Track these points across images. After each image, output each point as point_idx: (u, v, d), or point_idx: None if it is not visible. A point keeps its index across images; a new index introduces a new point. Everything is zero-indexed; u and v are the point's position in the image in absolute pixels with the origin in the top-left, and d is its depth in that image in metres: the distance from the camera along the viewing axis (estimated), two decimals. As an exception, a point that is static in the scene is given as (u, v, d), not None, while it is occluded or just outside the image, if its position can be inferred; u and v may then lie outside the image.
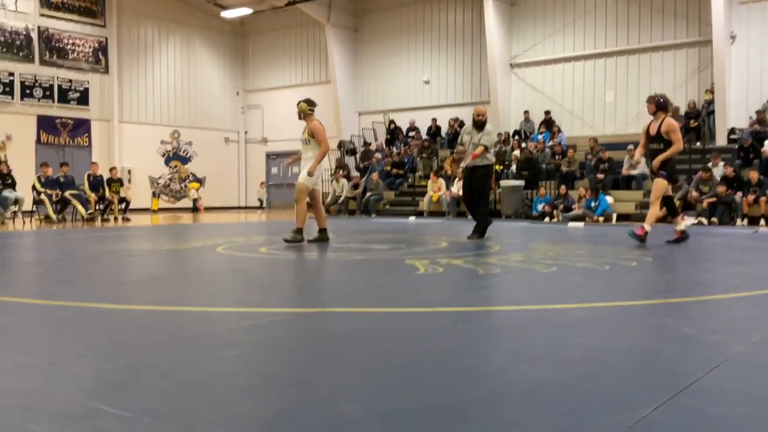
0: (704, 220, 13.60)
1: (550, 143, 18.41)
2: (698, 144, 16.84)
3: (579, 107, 19.66)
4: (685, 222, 8.51)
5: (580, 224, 13.75)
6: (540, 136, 19.07)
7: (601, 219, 14.44)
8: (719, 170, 14.57)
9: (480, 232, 9.10)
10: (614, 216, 14.69)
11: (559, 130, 18.99)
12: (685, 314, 3.82)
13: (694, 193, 14.18)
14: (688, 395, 2.24)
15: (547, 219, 15.36)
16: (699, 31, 17.78)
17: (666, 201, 8.52)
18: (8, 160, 15.94)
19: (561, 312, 3.87)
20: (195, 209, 23.66)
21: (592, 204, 14.74)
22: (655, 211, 8.19)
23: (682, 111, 17.44)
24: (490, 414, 2.08)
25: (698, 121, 17.13)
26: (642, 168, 16.14)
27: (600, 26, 19.27)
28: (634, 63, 18.80)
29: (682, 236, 8.41)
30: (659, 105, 8.19)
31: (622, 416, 2.02)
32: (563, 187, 15.65)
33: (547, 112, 19.66)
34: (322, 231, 8.42)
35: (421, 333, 3.32)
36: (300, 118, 8.28)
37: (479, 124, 9.12)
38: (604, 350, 2.89)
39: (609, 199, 15.08)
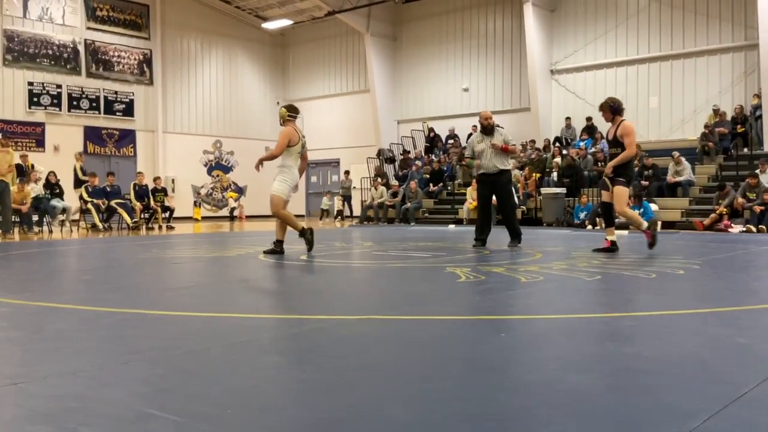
0: (753, 228, 13.29)
1: (593, 150, 18.19)
2: (745, 150, 16.49)
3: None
4: (616, 234, 8.22)
5: (624, 232, 13.54)
6: (582, 143, 18.86)
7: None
8: (767, 177, 14.22)
9: (518, 238, 9.02)
10: (659, 224, 14.42)
11: (602, 137, 18.71)
12: (736, 323, 3.73)
13: (741, 200, 13.87)
14: (741, 406, 2.18)
15: (589, 227, 15.16)
16: (745, 35, 17.42)
17: (605, 208, 8.22)
18: (84, 171, 16.80)
19: (607, 321, 3.81)
20: (233, 218, 23.94)
21: (636, 212, 14.48)
22: (630, 213, 7.97)
23: (729, 116, 17.10)
24: (541, 423, 2.06)
25: (745, 126, 16.76)
26: (688, 175, 15.87)
27: (643, 31, 19.01)
28: (679, 68, 18.49)
29: (612, 247, 8.06)
30: (614, 109, 7.99)
31: (672, 427, 1.98)
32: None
33: (589, 119, 19.43)
34: (278, 243, 8.01)
35: (466, 340, 3.31)
36: (281, 124, 8.06)
37: (489, 129, 9.03)
38: (652, 360, 2.84)
39: (653, 206, 14.83)
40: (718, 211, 13.99)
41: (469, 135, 21.75)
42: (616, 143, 7.90)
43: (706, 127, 16.93)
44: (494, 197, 9.27)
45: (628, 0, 19.25)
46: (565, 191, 16.51)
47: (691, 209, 15.17)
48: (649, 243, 7.93)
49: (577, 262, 7.00)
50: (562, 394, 2.35)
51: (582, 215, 15.68)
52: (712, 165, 16.47)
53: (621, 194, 7.91)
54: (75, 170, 16.87)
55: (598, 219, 15.11)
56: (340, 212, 23.46)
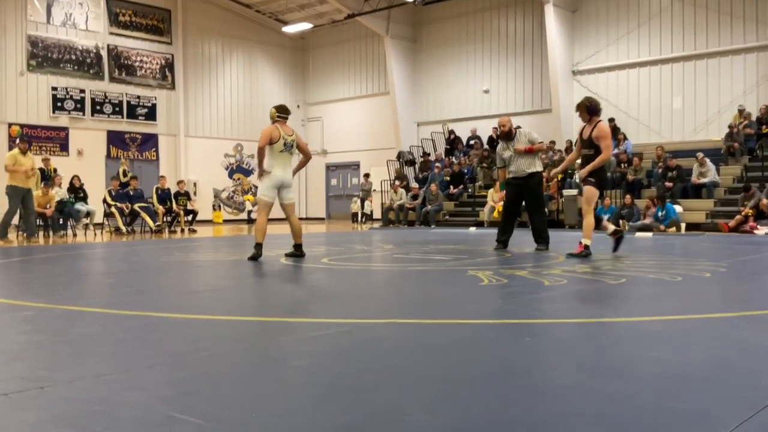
0: (779, 229, 13.09)
1: (616, 151, 18.03)
2: (771, 150, 16.26)
3: (645, 114, 19.22)
4: (612, 226, 8.08)
5: (648, 234, 13.41)
6: (604, 144, 18.67)
7: (671, 229, 14.03)
8: (794, 177, 14.02)
9: (545, 242, 8.93)
10: (683, 225, 14.27)
11: (625, 138, 18.58)
12: (764, 327, 3.67)
13: (766, 201, 13.68)
14: (773, 412, 2.14)
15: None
16: (770, 33, 17.20)
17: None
18: (128, 175, 17.46)
19: (632, 325, 3.76)
20: (251, 221, 24.02)
21: (660, 214, 14.33)
22: (589, 221, 7.75)
23: (754, 116, 16.86)
24: (569, 429, 2.03)
25: (771, 126, 16.53)
26: (712, 176, 15.67)
27: (666, 31, 18.81)
28: (702, 68, 18.28)
29: (618, 236, 7.92)
30: (590, 110, 7.82)
31: (704, 433, 1.95)
32: (628, 197, 15.30)
33: (612, 120, 19.23)
34: (297, 246, 8.07)
35: (489, 345, 3.29)
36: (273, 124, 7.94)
37: (507, 134, 8.97)
38: (679, 364, 2.80)
39: (678, 207, 14.66)
40: (743, 213, 13.81)
41: (490, 137, 21.74)
42: (591, 144, 7.77)
43: (730, 127, 16.71)
44: (524, 201, 9.21)
45: (651, 0, 19.07)
46: (587, 193, 16.35)
47: (716, 211, 14.98)
48: (574, 253, 7.70)
49: (600, 264, 6.93)
50: (588, 399, 2.32)
51: (605, 217, 15.51)
52: (737, 166, 16.26)
53: (590, 195, 7.78)
54: (118, 173, 17.59)
55: (621, 221, 14.99)
56: (355, 215, 23.45)
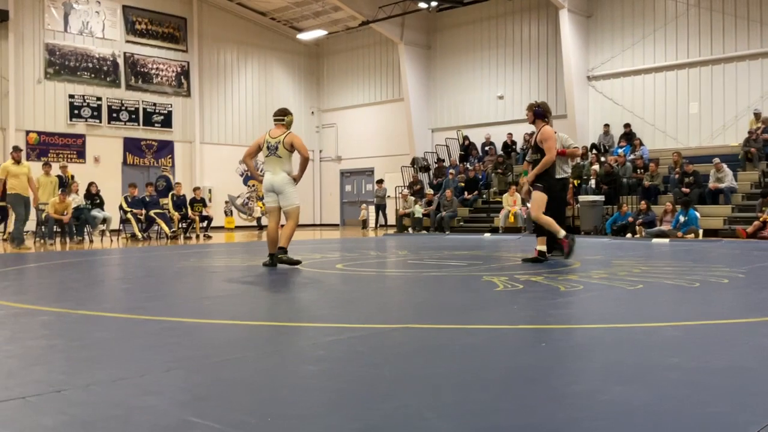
0: (798, 235, 12.94)
1: (632, 157, 17.95)
2: (789, 155, 16.09)
3: (661, 119, 19.10)
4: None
5: (665, 240, 13.30)
6: (620, 150, 18.61)
7: (689, 235, 13.90)
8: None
9: (562, 249, 8.84)
10: (701, 231, 14.15)
11: (641, 143, 18.48)
12: (784, 333, 3.63)
13: (784, 207, 13.54)
14: (794, 419, 2.10)
15: (629, 235, 14.92)
16: (788, 38, 17.05)
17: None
18: (173, 181, 18.01)
19: (650, 330, 3.73)
20: (261, 227, 24.02)
21: (681, 218, 14.18)
22: (548, 220, 7.68)
23: (772, 122, 16.72)
24: (584, 435, 2.01)
25: (789, 131, 16.36)
26: (729, 182, 15.54)
27: (682, 36, 18.70)
28: (719, 73, 18.14)
29: (539, 258, 7.82)
30: (537, 113, 7.81)
31: (724, 440, 1.92)
32: (644, 203, 15.19)
33: (627, 125, 19.17)
34: (279, 249, 7.78)
35: (505, 350, 3.27)
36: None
37: None
38: (698, 371, 2.77)
39: (696, 213, 14.55)
40: (761, 219, 13.67)
41: (504, 143, 21.69)
42: (537, 149, 7.76)
43: (750, 132, 16.56)
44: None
45: (666, 5, 18.98)
46: (603, 199, 16.29)
47: (734, 216, 14.85)
48: (565, 252, 7.70)
49: (617, 270, 6.89)
50: (606, 405, 2.29)
51: (617, 224, 15.42)
52: (754, 171, 16.12)
53: (538, 199, 7.75)
54: (165, 178, 18.17)
55: (638, 227, 14.89)
56: (365, 221, 23.46)
